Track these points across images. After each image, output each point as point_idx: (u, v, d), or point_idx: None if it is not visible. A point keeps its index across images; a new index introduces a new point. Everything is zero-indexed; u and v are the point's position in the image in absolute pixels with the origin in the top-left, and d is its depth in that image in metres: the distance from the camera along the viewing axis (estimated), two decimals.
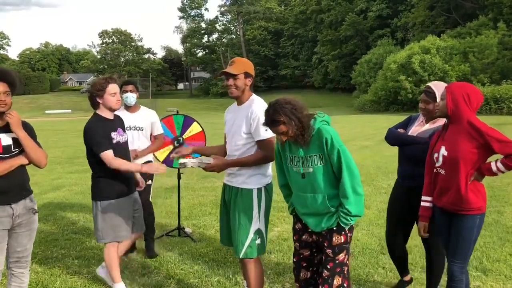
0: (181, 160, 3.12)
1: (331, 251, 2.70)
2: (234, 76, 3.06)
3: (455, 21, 44.65)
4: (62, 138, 19.74)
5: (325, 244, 2.71)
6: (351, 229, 2.74)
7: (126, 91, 4.58)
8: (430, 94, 3.29)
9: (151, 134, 4.77)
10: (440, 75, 36.08)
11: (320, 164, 2.65)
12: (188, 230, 5.45)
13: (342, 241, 2.70)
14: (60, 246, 4.98)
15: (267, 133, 2.99)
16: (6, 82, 2.82)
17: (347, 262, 2.76)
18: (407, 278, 3.83)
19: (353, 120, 27.03)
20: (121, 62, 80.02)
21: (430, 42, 38.76)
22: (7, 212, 2.83)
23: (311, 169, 2.68)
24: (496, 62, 35.63)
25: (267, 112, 2.68)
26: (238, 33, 77.55)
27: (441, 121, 3.32)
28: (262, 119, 2.91)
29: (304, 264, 2.89)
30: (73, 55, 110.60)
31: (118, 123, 3.65)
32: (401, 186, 3.54)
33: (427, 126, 3.38)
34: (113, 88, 3.49)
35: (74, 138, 19.46)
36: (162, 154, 5.27)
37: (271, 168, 3.19)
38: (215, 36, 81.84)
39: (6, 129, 2.89)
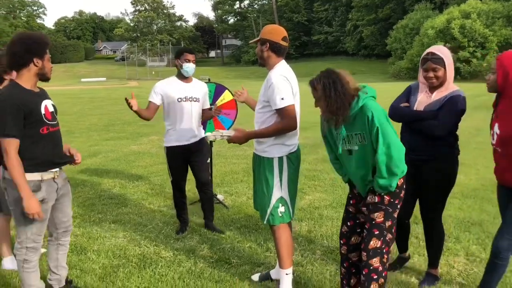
0: (205, 134, 3.15)
1: (365, 208, 2.76)
2: (256, 45, 3.16)
3: None
4: (98, 105, 20.17)
5: (363, 202, 2.79)
6: (392, 194, 2.70)
7: (189, 60, 4.23)
8: (439, 60, 3.02)
9: None
10: (480, 41, 34.65)
11: (364, 142, 2.65)
12: (220, 196, 5.53)
13: (376, 201, 2.70)
14: (97, 211, 5.15)
15: (283, 102, 2.94)
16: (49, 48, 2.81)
17: (389, 227, 2.71)
18: (406, 255, 3.69)
19: (388, 88, 26.37)
20: (153, 30, 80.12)
21: (470, 5, 37.10)
22: (53, 187, 2.88)
23: (356, 147, 2.70)
24: None
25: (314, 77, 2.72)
26: None
27: (449, 89, 3.08)
28: (278, 86, 2.95)
29: (358, 230, 2.92)
30: (107, 23, 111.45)
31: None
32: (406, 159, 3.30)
33: (435, 97, 3.12)
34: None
35: (109, 106, 19.86)
36: None
37: (297, 137, 3.16)
38: (246, 2, 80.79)
39: (45, 95, 2.88)
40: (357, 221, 2.91)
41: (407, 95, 3.32)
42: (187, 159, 4.38)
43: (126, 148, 9.32)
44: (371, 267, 2.69)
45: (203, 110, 4.44)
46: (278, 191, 3.08)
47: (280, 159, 3.07)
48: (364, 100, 2.62)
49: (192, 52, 4.30)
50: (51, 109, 2.85)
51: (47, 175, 2.82)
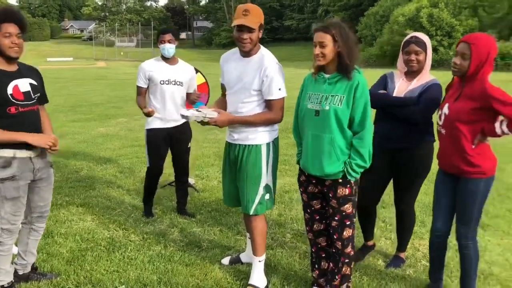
0: (184, 112, 2.90)
1: (336, 201, 2.73)
2: (251, 30, 2.80)
3: None
4: (64, 86, 19.59)
5: (330, 195, 2.74)
6: (356, 182, 2.75)
7: (164, 41, 4.09)
8: (422, 43, 3.05)
9: None
10: (447, 30, 35.28)
11: (339, 105, 2.60)
12: (191, 180, 5.49)
13: (347, 193, 2.72)
14: (64, 194, 5.04)
15: (280, 93, 2.87)
16: (17, 23, 2.65)
17: (355, 214, 2.80)
18: (370, 243, 3.71)
19: None
20: (122, 9, 78.13)
21: None
22: (28, 167, 2.80)
23: (327, 107, 2.62)
24: (507, 17, 34.64)
25: (323, 22, 2.65)
26: None
27: (427, 78, 3.12)
28: (277, 77, 2.85)
29: (317, 217, 2.93)
30: (74, 1, 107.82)
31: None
32: (382, 148, 3.20)
33: (414, 84, 3.13)
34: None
35: (76, 87, 19.35)
36: None
37: None
38: None
39: (21, 74, 2.79)
40: (312, 208, 2.92)
41: (384, 83, 3.30)
42: (168, 144, 4.30)
43: (93, 130, 9.12)
44: (346, 254, 2.81)
45: (187, 94, 4.34)
46: (265, 179, 3.00)
47: (268, 145, 2.99)
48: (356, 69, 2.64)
49: (166, 32, 4.15)
50: (24, 89, 2.76)
51: (21, 154, 2.76)
